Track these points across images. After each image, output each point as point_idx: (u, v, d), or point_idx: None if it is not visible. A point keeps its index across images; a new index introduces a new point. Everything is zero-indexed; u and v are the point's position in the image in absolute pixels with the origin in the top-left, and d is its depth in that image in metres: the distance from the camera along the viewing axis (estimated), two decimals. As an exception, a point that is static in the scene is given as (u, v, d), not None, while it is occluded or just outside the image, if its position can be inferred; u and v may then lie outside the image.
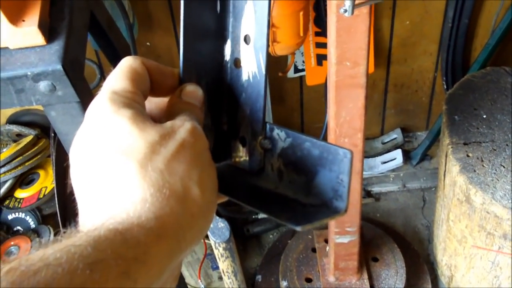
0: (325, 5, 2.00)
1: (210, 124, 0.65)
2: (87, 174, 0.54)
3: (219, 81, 0.65)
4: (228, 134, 0.66)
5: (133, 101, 0.55)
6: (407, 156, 2.58)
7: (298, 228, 0.54)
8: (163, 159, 0.52)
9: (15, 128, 1.90)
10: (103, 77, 1.86)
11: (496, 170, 1.76)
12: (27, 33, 1.13)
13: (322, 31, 2.07)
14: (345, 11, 1.17)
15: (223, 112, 0.66)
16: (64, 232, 0.47)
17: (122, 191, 0.51)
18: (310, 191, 0.60)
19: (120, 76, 0.58)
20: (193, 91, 0.62)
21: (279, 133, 0.62)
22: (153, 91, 0.61)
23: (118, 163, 0.52)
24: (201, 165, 0.55)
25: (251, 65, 0.63)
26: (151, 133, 0.53)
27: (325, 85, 2.07)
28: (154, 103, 0.63)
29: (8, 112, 1.96)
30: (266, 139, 0.63)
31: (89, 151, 0.54)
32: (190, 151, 0.54)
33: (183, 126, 0.55)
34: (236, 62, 0.65)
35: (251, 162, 0.65)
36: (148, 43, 2.11)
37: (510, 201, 1.69)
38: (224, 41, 0.65)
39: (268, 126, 0.63)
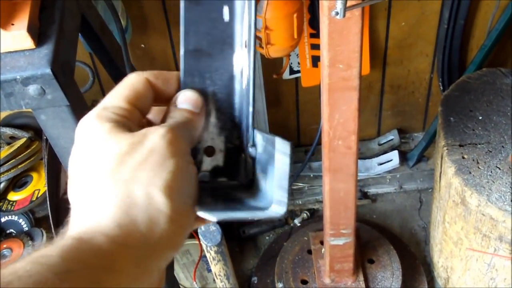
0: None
1: (221, 136, 0.63)
2: (74, 187, 0.55)
3: (229, 92, 0.64)
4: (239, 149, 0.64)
5: (119, 116, 0.56)
6: (403, 157, 2.57)
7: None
8: (129, 168, 0.53)
9: (8, 131, 1.90)
10: (96, 80, 1.86)
11: (491, 172, 1.76)
12: (16, 37, 1.12)
13: (317, 32, 2.06)
14: (337, 13, 1.16)
15: (235, 124, 0.64)
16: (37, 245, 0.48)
17: (93, 203, 0.52)
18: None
19: (115, 93, 0.59)
20: (189, 97, 0.61)
21: (260, 138, 0.61)
22: (160, 101, 0.61)
23: (93, 176, 0.53)
24: (171, 171, 0.54)
25: (247, 70, 0.62)
26: (122, 143, 0.53)
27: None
28: (162, 112, 0.63)
29: (1, 114, 1.95)
30: (253, 146, 0.62)
31: (75, 165, 0.55)
32: (158, 157, 0.54)
33: (155, 132, 0.55)
34: (243, 71, 0.63)
35: (244, 175, 0.64)
36: (143, 45, 2.10)
37: (505, 203, 1.68)
38: (233, 51, 0.63)
39: (253, 131, 0.62)
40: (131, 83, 0.59)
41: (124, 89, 0.59)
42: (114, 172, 0.52)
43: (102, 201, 0.52)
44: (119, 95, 0.58)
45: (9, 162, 1.75)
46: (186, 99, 0.61)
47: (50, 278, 0.44)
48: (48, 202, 1.59)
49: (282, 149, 0.57)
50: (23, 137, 1.86)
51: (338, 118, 1.47)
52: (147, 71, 0.61)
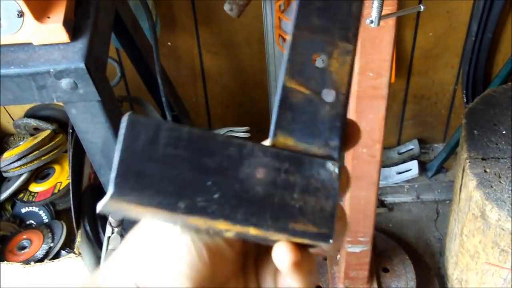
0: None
1: None
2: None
3: None
4: None
5: None
6: (422, 167, 2.56)
7: None
8: None
9: (33, 122, 1.90)
10: (123, 76, 1.86)
11: (513, 187, 1.75)
12: (51, 30, 1.13)
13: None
14: (371, 22, 1.16)
15: None
16: None
17: None
18: None
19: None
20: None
21: None
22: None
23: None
24: None
25: None
26: None
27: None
28: None
29: (26, 105, 1.96)
30: None
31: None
32: None
33: None
34: None
35: None
36: (169, 43, 2.11)
37: (526, 219, 1.68)
38: None
39: None
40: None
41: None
42: None
43: None
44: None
45: (33, 154, 1.75)
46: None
47: None
48: (71, 195, 1.59)
49: None
50: (47, 129, 1.87)
51: (365, 126, 1.47)
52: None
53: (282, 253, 0.47)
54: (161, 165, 0.47)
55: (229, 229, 0.47)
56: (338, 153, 0.51)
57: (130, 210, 0.47)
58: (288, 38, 0.53)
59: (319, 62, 0.53)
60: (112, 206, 0.47)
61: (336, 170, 0.49)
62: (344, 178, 0.49)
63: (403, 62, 2.26)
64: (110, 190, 0.46)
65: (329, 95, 0.52)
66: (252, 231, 0.47)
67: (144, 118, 0.48)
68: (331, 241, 0.47)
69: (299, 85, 0.52)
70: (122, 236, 1.46)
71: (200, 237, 0.49)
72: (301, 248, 0.48)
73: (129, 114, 0.47)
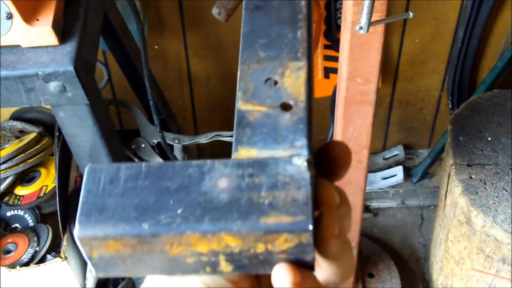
0: (336, 19, 2.00)
1: None
2: None
3: None
4: None
5: None
6: (407, 173, 2.57)
7: None
8: None
9: (19, 125, 1.89)
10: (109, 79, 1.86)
11: (498, 193, 1.76)
12: (40, 33, 1.13)
13: (331, 44, 2.06)
14: (361, 28, 1.17)
15: None
16: None
17: None
18: None
19: None
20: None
21: None
22: None
23: None
24: None
25: None
26: None
27: (331, 98, 2.06)
28: None
29: (12, 107, 1.94)
30: None
31: None
32: None
33: None
34: None
35: None
36: (156, 46, 2.10)
37: (511, 225, 1.69)
38: None
39: None
40: None
41: None
42: None
43: None
44: None
45: (18, 157, 1.74)
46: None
47: None
48: (57, 199, 1.58)
49: None
50: (33, 131, 1.85)
51: (352, 132, 1.47)
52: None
53: (281, 275, 0.46)
54: (121, 198, 0.46)
55: (201, 243, 0.45)
56: (307, 151, 0.48)
57: (104, 248, 0.46)
58: (238, 72, 0.53)
59: (271, 83, 0.52)
60: (85, 246, 0.46)
61: (304, 163, 0.46)
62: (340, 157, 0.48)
63: (389, 67, 2.27)
64: (75, 231, 0.45)
65: (287, 106, 0.51)
66: (226, 239, 0.45)
67: (104, 165, 0.48)
68: (310, 226, 0.44)
69: (254, 105, 0.51)
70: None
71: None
72: (301, 270, 0.46)
73: (89, 165, 0.47)
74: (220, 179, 0.46)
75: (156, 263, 0.47)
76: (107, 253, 0.47)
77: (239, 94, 0.51)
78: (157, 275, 0.49)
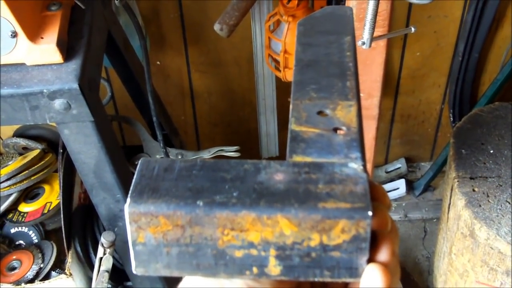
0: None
1: None
2: None
3: None
4: None
5: None
6: (410, 186, 2.58)
7: None
8: None
9: (22, 141, 1.89)
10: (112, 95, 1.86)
11: (501, 206, 1.76)
12: (45, 50, 1.13)
13: (332, 58, 2.07)
14: (363, 43, 1.17)
15: None
16: None
17: None
18: None
19: None
20: None
21: None
22: None
23: None
24: None
25: None
26: None
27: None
28: None
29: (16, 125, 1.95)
30: None
31: None
32: None
33: None
34: None
35: None
36: (158, 62, 2.11)
37: (514, 238, 1.69)
38: None
39: None
40: None
41: None
42: None
43: None
44: None
45: (22, 173, 1.74)
46: None
47: None
48: (61, 215, 1.58)
49: None
50: (36, 148, 1.86)
51: (355, 146, 1.47)
52: None
53: (374, 274, 0.46)
54: (176, 182, 0.46)
55: (255, 229, 0.45)
56: (362, 163, 0.48)
57: (152, 228, 0.46)
58: (290, 107, 0.55)
59: (324, 114, 0.54)
60: (133, 224, 0.46)
61: (361, 167, 0.47)
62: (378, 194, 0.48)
63: (391, 81, 2.28)
64: (126, 205, 0.45)
65: (340, 130, 0.52)
66: (282, 223, 0.44)
67: (158, 158, 0.49)
68: (369, 212, 0.44)
69: (308, 127, 0.53)
70: (113, 257, 1.45)
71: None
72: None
73: (143, 158, 0.48)
74: (276, 173, 0.47)
75: (202, 256, 0.46)
76: (154, 236, 0.46)
77: (292, 120, 0.53)
78: (198, 276, 0.48)
